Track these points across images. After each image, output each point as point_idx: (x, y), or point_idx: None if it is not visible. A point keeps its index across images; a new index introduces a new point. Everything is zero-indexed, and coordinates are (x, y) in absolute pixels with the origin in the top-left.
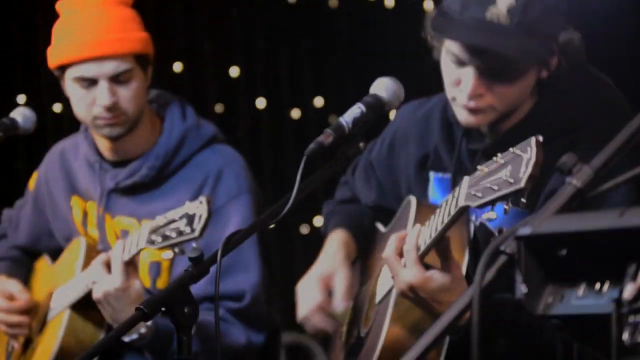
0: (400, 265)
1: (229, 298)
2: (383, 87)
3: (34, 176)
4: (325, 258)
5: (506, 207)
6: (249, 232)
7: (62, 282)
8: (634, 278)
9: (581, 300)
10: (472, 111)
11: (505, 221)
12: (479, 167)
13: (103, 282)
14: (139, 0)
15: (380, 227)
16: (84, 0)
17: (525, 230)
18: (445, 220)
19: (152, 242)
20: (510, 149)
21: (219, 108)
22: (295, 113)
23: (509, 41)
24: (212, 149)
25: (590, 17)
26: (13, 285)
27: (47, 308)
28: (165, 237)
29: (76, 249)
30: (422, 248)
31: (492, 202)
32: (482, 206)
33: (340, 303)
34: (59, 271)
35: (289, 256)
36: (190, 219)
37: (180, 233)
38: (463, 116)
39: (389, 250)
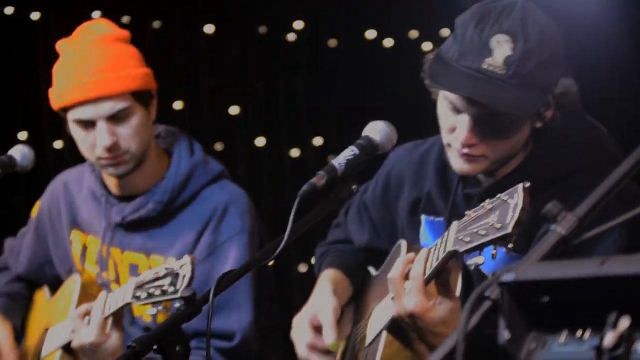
0: (403, 289)
1: (219, 337)
2: (376, 130)
3: (37, 205)
4: (315, 297)
5: (494, 252)
6: (242, 272)
7: (56, 321)
8: (614, 326)
9: (563, 347)
10: (466, 158)
11: (500, 265)
12: (467, 212)
13: (80, 334)
14: (140, 39)
15: (372, 270)
16: (81, 40)
17: (508, 277)
18: (434, 265)
19: (137, 298)
20: (499, 195)
21: (218, 146)
22: (295, 152)
23: (504, 94)
24: (219, 185)
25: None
26: (3, 340)
27: (42, 345)
28: (150, 295)
29: (71, 289)
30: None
31: (480, 247)
32: (469, 251)
33: (329, 335)
34: (54, 309)
35: (287, 294)
36: (174, 278)
37: (164, 292)
38: (458, 164)
39: (395, 272)
